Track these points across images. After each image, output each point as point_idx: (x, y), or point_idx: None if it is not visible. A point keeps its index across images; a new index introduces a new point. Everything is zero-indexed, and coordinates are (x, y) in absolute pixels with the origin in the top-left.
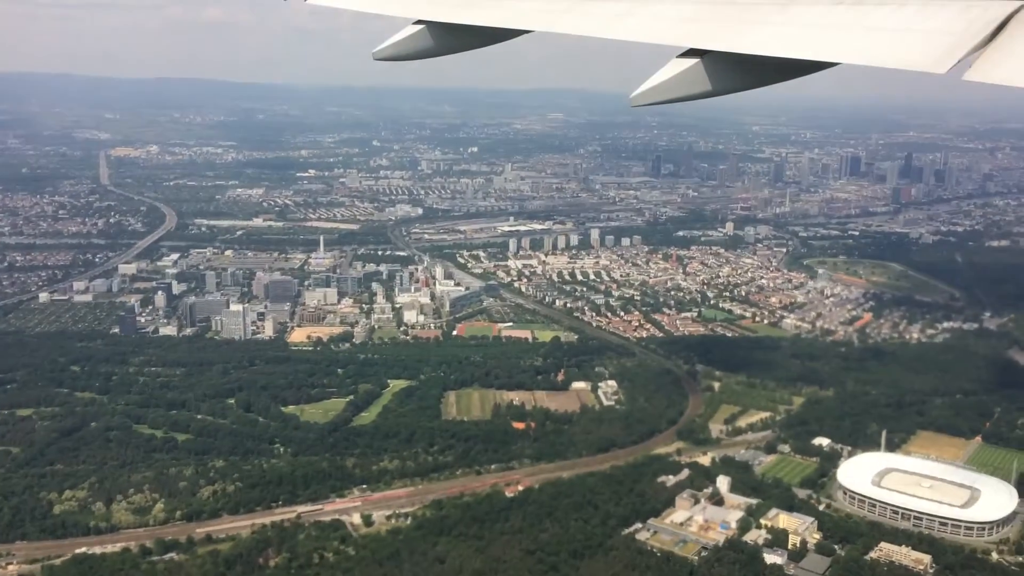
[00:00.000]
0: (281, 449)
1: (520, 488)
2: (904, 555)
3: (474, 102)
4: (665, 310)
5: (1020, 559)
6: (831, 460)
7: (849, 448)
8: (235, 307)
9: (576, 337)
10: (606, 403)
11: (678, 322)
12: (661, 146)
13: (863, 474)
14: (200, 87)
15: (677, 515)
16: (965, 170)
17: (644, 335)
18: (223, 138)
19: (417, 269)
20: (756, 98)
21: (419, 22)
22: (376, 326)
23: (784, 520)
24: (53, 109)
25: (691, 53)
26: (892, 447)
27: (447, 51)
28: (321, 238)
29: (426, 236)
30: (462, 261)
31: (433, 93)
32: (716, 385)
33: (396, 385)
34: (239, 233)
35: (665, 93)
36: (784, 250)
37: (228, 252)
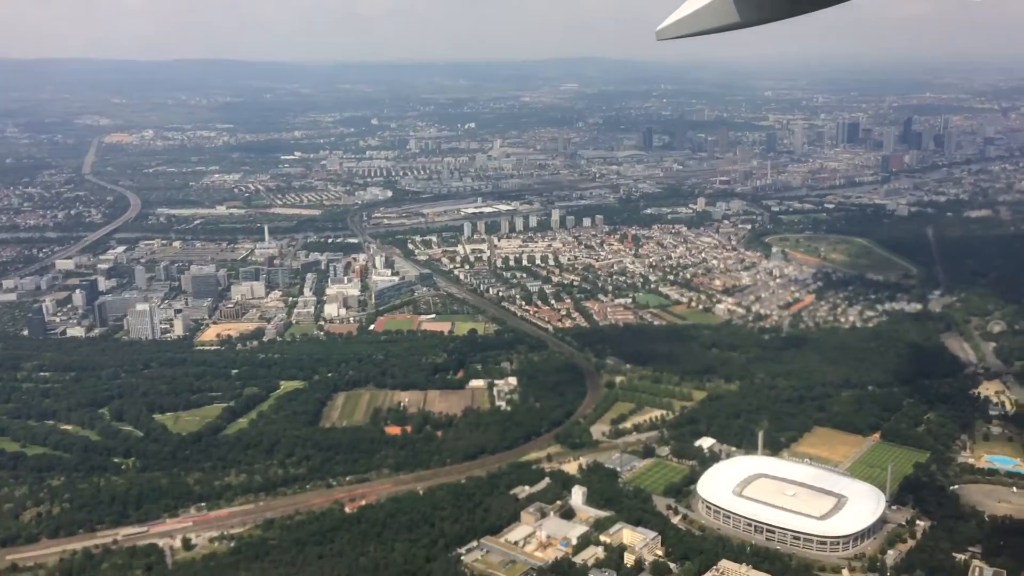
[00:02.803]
0: (131, 463)
1: (364, 503)
2: (741, 574)
3: (490, 75)
4: (600, 296)
5: None
6: (709, 463)
7: (733, 448)
8: (141, 306)
9: (495, 329)
10: (498, 402)
11: (608, 310)
12: (664, 116)
13: (728, 481)
14: (215, 68)
15: (518, 531)
16: (969, 134)
17: (568, 325)
18: (222, 120)
19: (356, 258)
20: (778, 61)
21: None
22: (295, 321)
23: (627, 536)
24: (62, 95)
25: None
26: (778, 447)
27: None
28: (266, 227)
29: (385, 221)
30: (411, 247)
31: (452, 67)
32: (619, 380)
33: (287, 387)
34: (197, 222)
35: (692, 25)
36: (749, 227)
37: (176, 243)
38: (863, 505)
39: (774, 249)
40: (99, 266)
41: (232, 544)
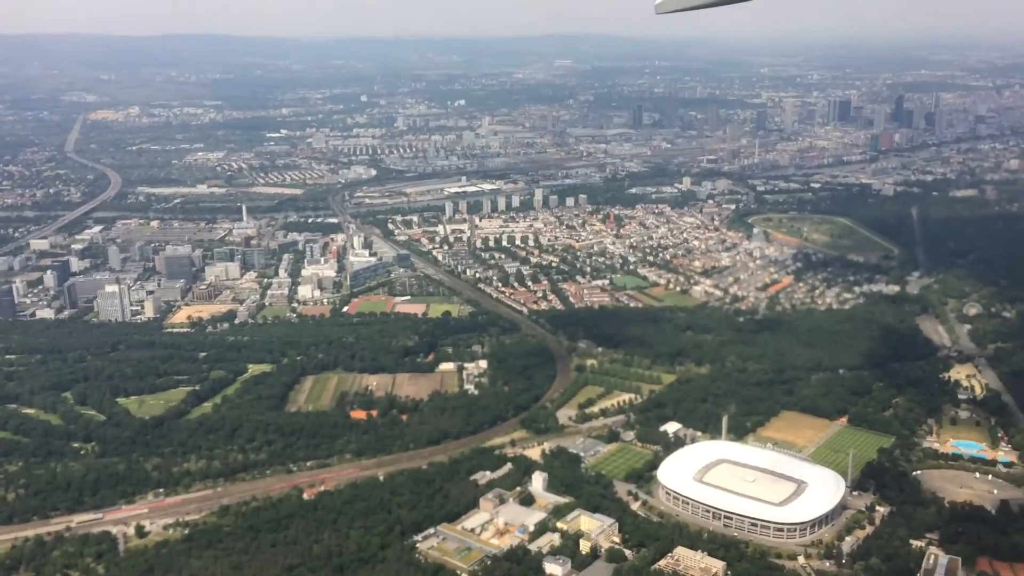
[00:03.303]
0: (91, 448)
1: (322, 489)
2: (696, 561)
3: (484, 51)
4: (578, 278)
5: (826, 564)
6: (673, 448)
7: (699, 433)
8: (111, 288)
9: (469, 311)
10: (467, 386)
11: (585, 292)
12: (656, 93)
13: (689, 467)
14: (206, 43)
15: (476, 518)
16: (961, 112)
17: (543, 307)
18: (210, 97)
19: (333, 239)
20: (777, 37)
21: None
22: (268, 303)
23: (585, 522)
24: (51, 71)
25: None
26: (744, 431)
27: None
28: (244, 207)
29: (367, 200)
30: (392, 227)
31: (445, 43)
32: (590, 363)
33: (255, 370)
34: (177, 201)
35: None
36: (733, 207)
37: (154, 223)
38: (823, 491)
39: (756, 230)
40: (73, 246)
41: (186, 531)
